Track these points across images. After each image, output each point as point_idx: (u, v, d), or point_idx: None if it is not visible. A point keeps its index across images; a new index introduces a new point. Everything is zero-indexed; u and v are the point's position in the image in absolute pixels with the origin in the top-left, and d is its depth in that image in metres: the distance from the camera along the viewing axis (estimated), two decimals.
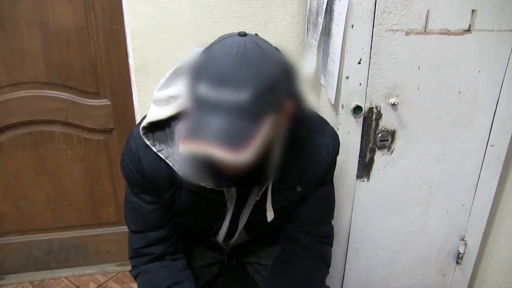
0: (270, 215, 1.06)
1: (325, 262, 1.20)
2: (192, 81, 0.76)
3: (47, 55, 1.71)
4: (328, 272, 1.23)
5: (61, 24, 1.67)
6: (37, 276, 2.13)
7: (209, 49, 0.79)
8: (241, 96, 0.71)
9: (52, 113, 1.83)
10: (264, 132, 0.74)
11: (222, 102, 0.71)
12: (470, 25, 1.26)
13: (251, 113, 0.72)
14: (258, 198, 1.05)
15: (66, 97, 1.81)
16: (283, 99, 0.81)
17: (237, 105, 0.71)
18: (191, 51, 0.92)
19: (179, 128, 0.93)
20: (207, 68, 0.75)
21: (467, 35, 1.27)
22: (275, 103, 0.77)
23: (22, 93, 1.78)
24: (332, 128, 1.10)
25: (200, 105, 0.74)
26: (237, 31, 0.80)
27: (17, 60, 1.71)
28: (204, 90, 0.73)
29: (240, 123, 0.72)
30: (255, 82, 0.72)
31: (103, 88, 1.82)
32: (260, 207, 1.07)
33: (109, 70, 1.78)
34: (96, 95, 1.83)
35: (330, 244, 1.22)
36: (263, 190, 1.03)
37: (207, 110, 0.72)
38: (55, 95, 1.80)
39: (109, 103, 1.85)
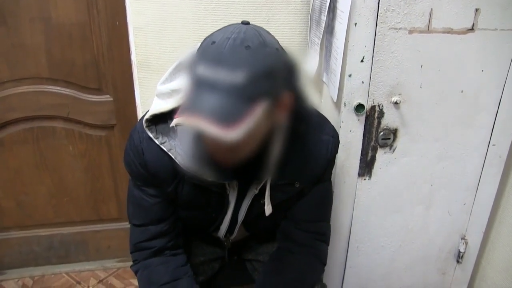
0: (268, 209, 1.06)
1: (321, 260, 1.20)
2: (192, 62, 0.78)
3: (49, 50, 1.71)
4: (324, 270, 1.23)
5: (63, 19, 1.67)
6: (38, 271, 2.13)
7: (211, 35, 0.80)
8: (236, 77, 0.73)
9: (54, 108, 1.83)
10: (256, 116, 0.75)
11: (217, 81, 0.73)
12: (473, 24, 1.26)
13: (245, 95, 0.74)
14: (256, 192, 1.06)
15: (67, 93, 1.81)
16: (280, 89, 0.82)
17: (232, 85, 0.73)
18: (195, 45, 0.92)
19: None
20: (207, 50, 0.77)
21: (470, 34, 1.27)
22: (270, 90, 0.78)
23: (23, 88, 1.78)
24: (332, 126, 1.10)
25: (197, 83, 0.75)
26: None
27: (19, 56, 1.71)
28: (202, 69, 0.75)
29: (233, 102, 0.73)
30: (251, 65, 0.74)
31: (105, 84, 1.82)
32: (258, 201, 1.08)
33: (111, 66, 1.78)
34: (98, 91, 1.83)
35: (327, 242, 1.22)
36: (261, 184, 1.04)
37: (203, 88, 0.74)
38: (57, 91, 1.80)
39: (111, 99, 1.84)
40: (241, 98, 0.73)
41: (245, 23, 0.81)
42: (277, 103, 0.81)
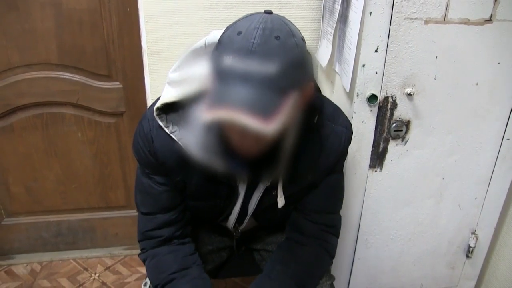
0: (280, 202, 1.05)
1: (329, 252, 1.19)
2: (217, 53, 0.76)
3: (60, 36, 1.70)
4: (332, 263, 1.22)
5: (74, 5, 1.66)
6: (46, 257, 2.15)
7: (234, 25, 0.78)
8: (269, 68, 0.71)
9: (63, 95, 1.82)
10: (288, 108, 0.74)
11: (249, 73, 0.71)
12: (491, 15, 1.23)
13: (277, 86, 0.72)
14: (268, 184, 1.05)
15: (77, 79, 1.80)
16: (305, 79, 0.81)
17: (265, 76, 0.71)
18: (209, 33, 0.91)
19: (194, 109, 0.92)
20: (234, 40, 0.74)
21: (488, 25, 1.24)
22: (299, 81, 0.77)
23: (33, 74, 1.77)
24: (346, 117, 1.09)
25: (227, 75, 0.73)
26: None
27: (30, 41, 1.70)
28: (232, 61, 0.72)
29: (267, 94, 0.72)
30: (283, 56, 0.73)
31: (115, 71, 1.81)
32: (270, 193, 1.07)
33: (121, 53, 1.77)
34: (108, 78, 1.82)
35: (336, 235, 1.21)
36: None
37: (234, 80, 0.72)
38: (67, 77, 1.79)
39: (121, 86, 1.84)
40: (274, 90, 0.72)
41: (268, 12, 0.79)
42: (301, 94, 0.80)
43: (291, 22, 0.81)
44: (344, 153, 1.10)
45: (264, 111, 0.70)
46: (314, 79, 0.88)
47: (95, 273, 2.07)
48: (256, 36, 0.73)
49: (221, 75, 0.74)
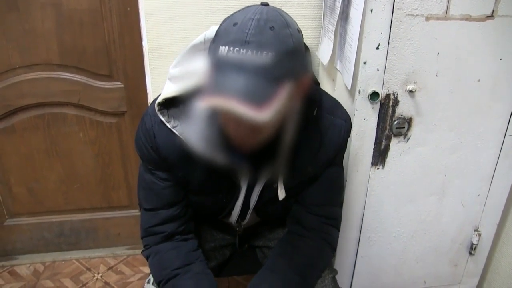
0: (281, 194, 1.06)
1: (330, 244, 1.19)
2: (214, 45, 0.77)
3: (60, 36, 1.71)
4: (333, 255, 1.23)
5: (74, 5, 1.66)
6: (49, 257, 2.15)
7: (231, 17, 0.80)
8: (263, 57, 0.73)
9: (65, 95, 1.82)
10: (282, 97, 0.75)
11: (244, 62, 0.73)
12: (493, 11, 1.23)
13: (272, 76, 0.74)
14: (269, 176, 1.05)
15: (78, 79, 1.80)
16: (301, 70, 0.82)
17: (259, 66, 0.73)
18: (209, 29, 0.92)
19: (194, 103, 0.93)
20: (230, 31, 0.76)
21: (489, 21, 1.24)
22: (294, 71, 0.79)
23: (35, 74, 1.78)
24: (345, 110, 1.10)
25: (222, 65, 0.75)
26: None
27: (30, 42, 1.70)
28: (227, 51, 0.74)
29: (261, 83, 0.73)
30: (277, 46, 0.74)
31: (116, 71, 1.81)
32: (270, 186, 1.08)
33: (122, 53, 1.77)
34: (109, 77, 1.82)
35: (337, 227, 1.21)
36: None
37: (230, 70, 0.74)
38: (68, 77, 1.79)
39: (122, 86, 1.84)
40: (268, 79, 0.73)
41: (264, 4, 0.81)
42: (297, 85, 0.81)
43: (287, 14, 0.82)
44: (343, 146, 1.11)
45: (258, 99, 0.72)
46: (312, 72, 0.89)
47: (98, 273, 2.08)
48: (251, 27, 0.74)
49: (217, 65, 0.75)
